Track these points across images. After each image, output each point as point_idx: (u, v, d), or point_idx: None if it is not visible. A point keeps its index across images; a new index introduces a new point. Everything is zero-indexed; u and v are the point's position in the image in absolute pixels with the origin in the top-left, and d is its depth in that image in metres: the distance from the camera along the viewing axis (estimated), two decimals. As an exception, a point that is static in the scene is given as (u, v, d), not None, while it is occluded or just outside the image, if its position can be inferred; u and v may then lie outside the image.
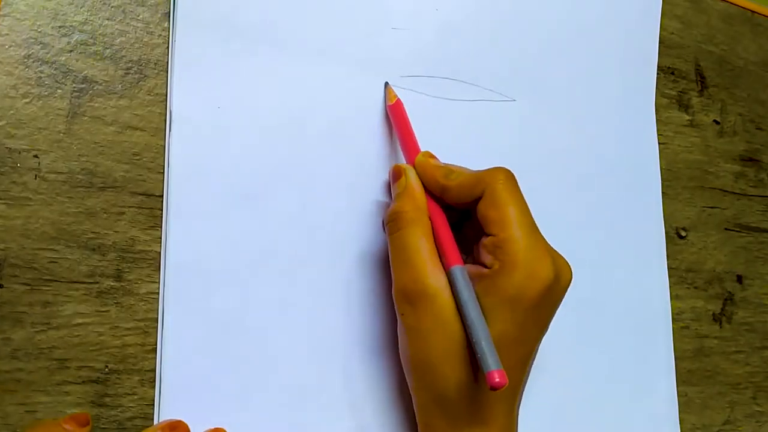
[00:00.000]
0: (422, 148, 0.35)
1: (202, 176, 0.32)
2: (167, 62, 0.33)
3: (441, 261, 0.31)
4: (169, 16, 0.33)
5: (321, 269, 0.34)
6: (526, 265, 0.29)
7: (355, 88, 0.36)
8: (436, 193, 0.33)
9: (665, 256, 0.45)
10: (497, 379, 0.27)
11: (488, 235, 0.31)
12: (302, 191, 0.34)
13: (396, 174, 0.34)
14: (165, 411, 0.30)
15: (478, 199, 0.31)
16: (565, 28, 0.43)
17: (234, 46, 0.34)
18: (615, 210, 0.44)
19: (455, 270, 0.30)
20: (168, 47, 0.33)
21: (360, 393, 0.34)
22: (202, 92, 0.33)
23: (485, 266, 0.31)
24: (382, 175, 0.36)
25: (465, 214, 0.34)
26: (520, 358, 0.31)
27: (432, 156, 0.34)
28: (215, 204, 0.33)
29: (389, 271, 0.36)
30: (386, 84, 0.37)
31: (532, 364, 0.32)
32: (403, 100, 0.36)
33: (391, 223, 0.32)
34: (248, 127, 0.34)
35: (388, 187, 0.36)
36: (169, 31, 0.33)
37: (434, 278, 0.30)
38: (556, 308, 0.31)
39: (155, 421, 0.30)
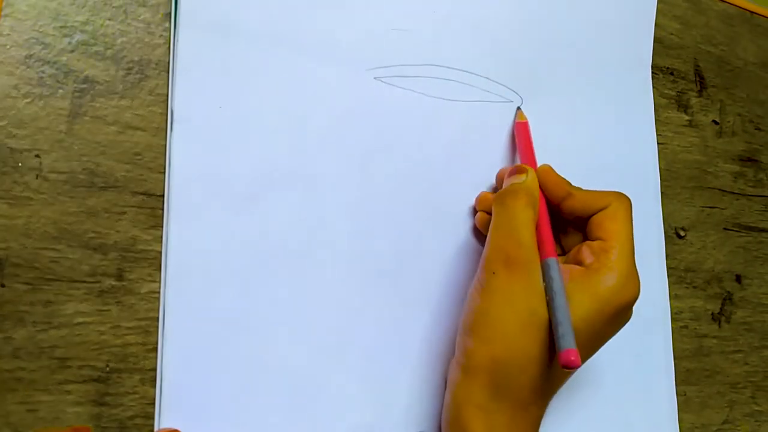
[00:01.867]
0: (423, 146, 0.35)
1: (204, 176, 0.32)
2: (168, 62, 0.33)
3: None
4: (171, 17, 0.33)
5: (323, 268, 0.34)
6: (622, 276, 0.32)
7: (355, 88, 0.37)
8: (556, 200, 0.35)
9: (664, 256, 0.45)
10: (572, 358, 0.28)
11: (595, 239, 0.33)
12: (303, 191, 0.35)
13: (518, 169, 0.35)
14: (166, 410, 0.30)
15: (592, 215, 0.34)
16: (563, 30, 0.43)
17: (235, 46, 0.34)
18: (614, 210, 0.44)
19: (551, 261, 0.32)
20: (169, 47, 0.33)
21: (361, 393, 0.34)
22: (203, 92, 0.33)
23: (580, 264, 0.33)
24: (384, 174, 0.37)
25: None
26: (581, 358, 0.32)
27: (553, 169, 0.36)
28: (216, 204, 0.33)
29: (392, 269, 0.36)
30: (518, 108, 0.40)
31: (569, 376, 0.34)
32: (402, 101, 0.37)
33: (508, 196, 0.33)
34: (249, 127, 0.34)
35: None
36: (170, 32, 0.33)
37: (536, 253, 0.32)
38: (618, 331, 0.34)
39: (156, 421, 0.30)
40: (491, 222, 0.34)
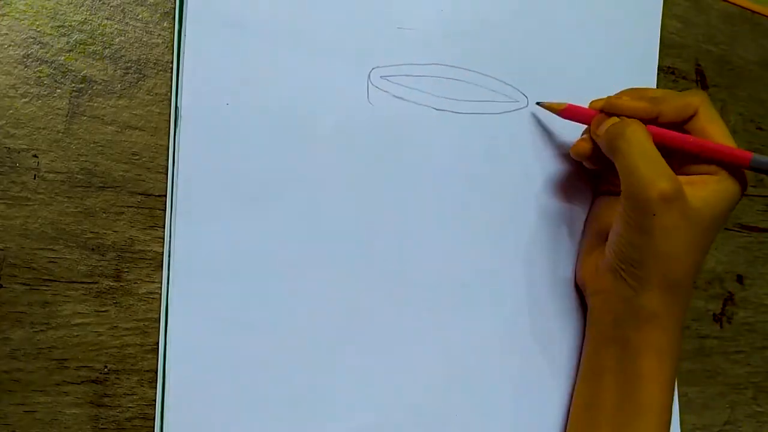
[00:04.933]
0: (429, 147, 0.36)
1: (210, 173, 0.32)
2: (166, 61, 0.33)
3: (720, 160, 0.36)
4: (174, 14, 0.33)
5: (328, 269, 0.34)
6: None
7: (362, 87, 0.36)
8: (650, 116, 0.36)
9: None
10: None
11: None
12: (310, 190, 0.34)
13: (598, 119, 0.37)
14: (169, 411, 0.30)
15: (682, 121, 0.37)
16: (569, 29, 0.43)
17: (243, 42, 0.34)
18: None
19: (756, 157, 0.36)
20: (171, 46, 0.33)
21: (364, 393, 0.34)
22: (210, 88, 0.33)
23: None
24: (389, 174, 0.36)
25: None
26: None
27: (624, 98, 0.37)
28: (222, 202, 0.32)
29: (395, 269, 0.36)
30: (539, 103, 0.40)
31: None
32: (408, 101, 0.37)
33: (621, 125, 0.35)
34: (256, 124, 0.34)
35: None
36: (173, 29, 0.33)
37: (678, 181, 0.34)
38: None
39: (156, 422, 0.30)
40: (621, 167, 0.34)
